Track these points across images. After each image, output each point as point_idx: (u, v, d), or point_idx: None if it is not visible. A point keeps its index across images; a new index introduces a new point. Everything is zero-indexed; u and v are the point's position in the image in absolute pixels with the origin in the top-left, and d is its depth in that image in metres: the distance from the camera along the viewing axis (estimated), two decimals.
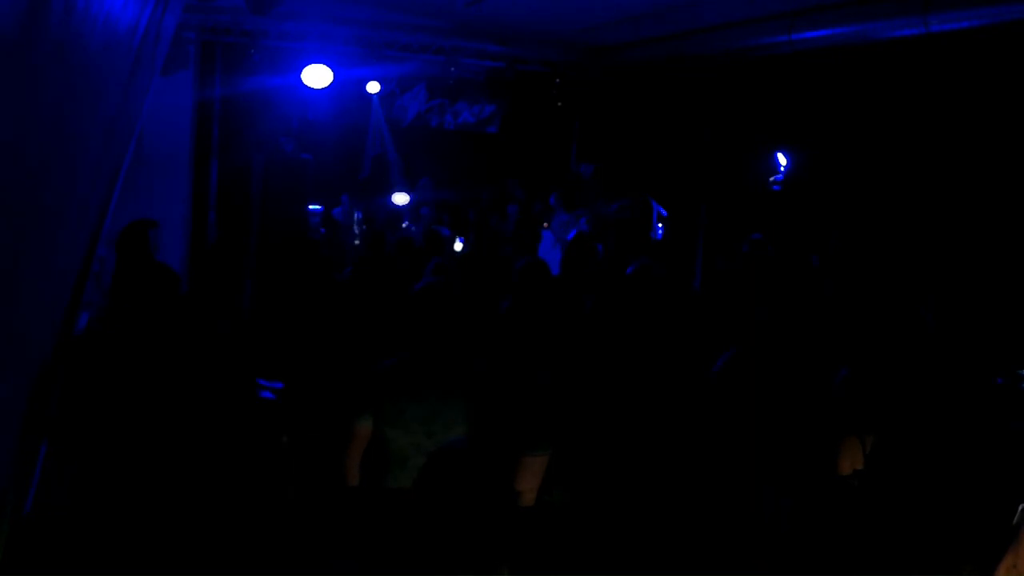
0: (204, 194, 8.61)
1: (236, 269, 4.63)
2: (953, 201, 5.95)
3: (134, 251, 4.37)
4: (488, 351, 3.63)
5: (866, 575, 2.87)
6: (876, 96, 6.53)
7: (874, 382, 3.14)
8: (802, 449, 3.10)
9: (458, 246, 8.66)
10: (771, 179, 7.87)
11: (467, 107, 10.70)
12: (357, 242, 9.08)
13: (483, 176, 10.54)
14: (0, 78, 1.26)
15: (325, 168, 9.59)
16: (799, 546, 3.05)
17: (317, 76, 8.43)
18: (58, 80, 1.72)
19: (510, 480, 2.73)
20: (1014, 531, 2.37)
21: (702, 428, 3.17)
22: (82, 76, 2.01)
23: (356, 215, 9.33)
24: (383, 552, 2.63)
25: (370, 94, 10.25)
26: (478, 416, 3.04)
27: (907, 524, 2.81)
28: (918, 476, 2.88)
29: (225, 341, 3.78)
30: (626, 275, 4.22)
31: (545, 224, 9.04)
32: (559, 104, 9.80)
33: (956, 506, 2.77)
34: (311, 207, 9.44)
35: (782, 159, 7.87)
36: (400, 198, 9.81)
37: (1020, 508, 2.38)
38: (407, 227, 9.29)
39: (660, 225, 8.96)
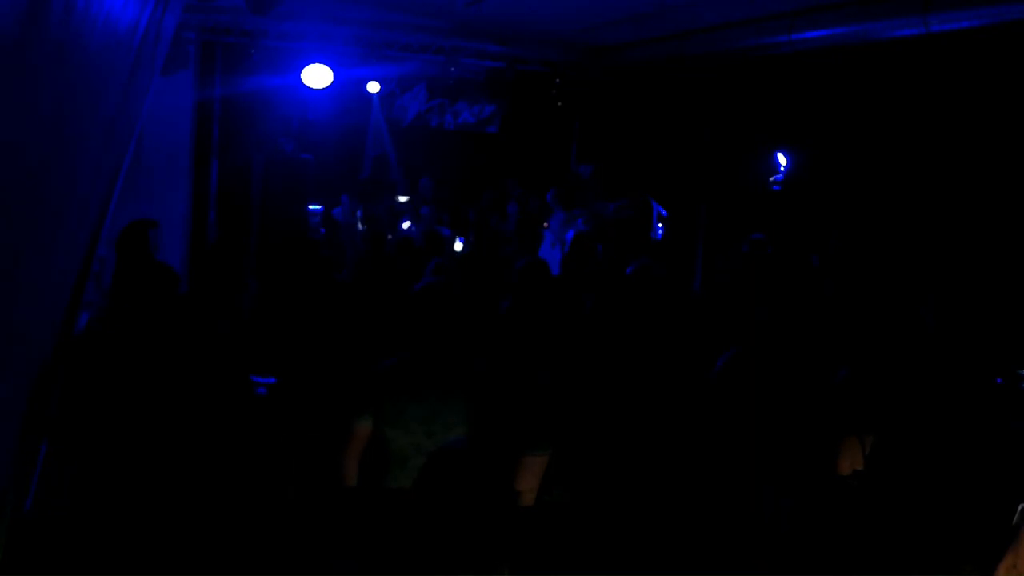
0: (204, 194, 8.60)
1: (236, 269, 4.62)
2: (953, 201, 5.95)
3: (134, 251, 4.37)
4: (488, 351, 3.63)
5: (866, 575, 2.87)
6: (876, 96, 6.53)
7: (874, 382, 3.14)
8: (802, 449, 3.10)
9: (458, 246, 8.66)
10: (771, 179, 7.86)
11: (467, 107, 10.70)
12: (359, 239, 9.08)
13: (483, 176, 10.53)
14: (0, 78, 1.26)
15: (325, 168, 9.58)
16: (799, 546, 3.05)
17: (317, 76, 8.43)
18: (58, 80, 1.72)
19: (510, 480, 2.74)
20: (1014, 531, 2.37)
21: (702, 428, 3.17)
22: (82, 76, 2.01)
23: (358, 214, 9.33)
24: (383, 552, 2.63)
25: (370, 94, 10.25)
26: (478, 416, 3.04)
27: (907, 524, 2.82)
28: (918, 476, 2.88)
29: (225, 341, 3.78)
30: (626, 275, 4.22)
31: (545, 224, 9.04)
32: (559, 104, 9.80)
33: (956, 506, 2.77)
34: (311, 207, 9.43)
35: (782, 159, 7.87)
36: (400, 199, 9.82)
37: (1020, 508, 2.38)
38: (407, 227, 9.29)
39: (660, 225, 8.95)
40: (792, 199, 7.62)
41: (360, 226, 9.00)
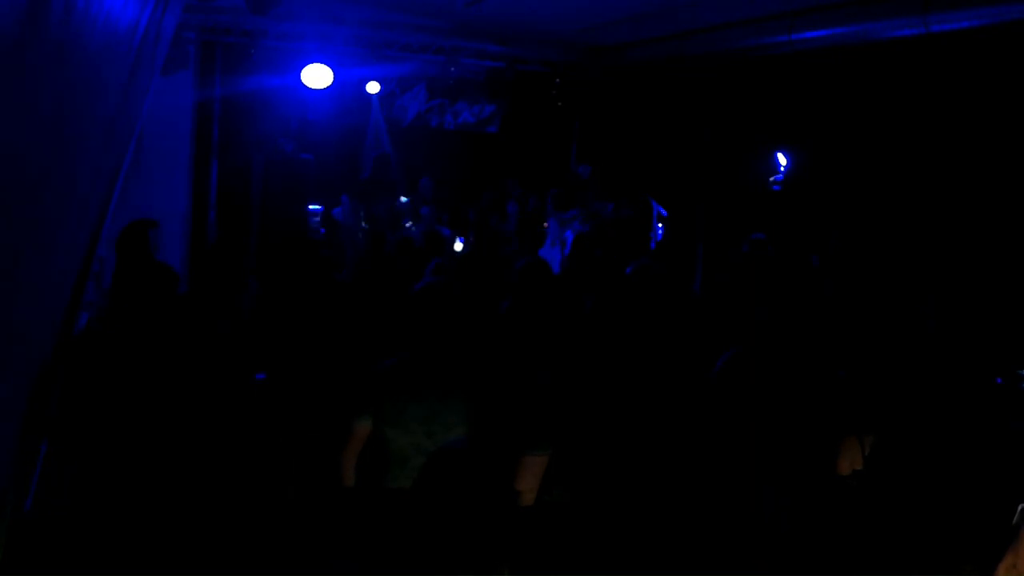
0: (204, 194, 8.61)
1: (236, 269, 4.62)
2: (953, 201, 5.95)
3: (134, 251, 4.37)
4: (488, 351, 3.63)
5: (866, 575, 2.87)
6: (876, 96, 6.53)
7: (874, 382, 3.14)
8: (802, 449, 3.10)
9: (458, 246, 8.66)
10: (771, 179, 7.86)
11: (467, 107, 10.70)
12: (360, 239, 9.07)
13: (483, 176, 10.53)
14: (0, 78, 1.26)
15: (325, 168, 9.58)
16: (799, 546, 3.05)
17: (317, 76, 8.43)
18: (58, 80, 1.72)
19: (510, 480, 2.74)
20: (1014, 531, 2.37)
21: (702, 428, 3.17)
22: (82, 76, 2.01)
23: (361, 214, 9.32)
24: (383, 552, 2.63)
25: (370, 94, 10.25)
26: (478, 416, 3.04)
27: (907, 524, 2.81)
28: (918, 476, 2.88)
29: (225, 341, 3.78)
30: (626, 275, 4.22)
31: (545, 224, 9.04)
32: (559, 104, 9.80)
33: (956, 506, 2.77)
34: (311, 207, 9.43)
35: (782, 159, 7.87)
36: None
37: (1020, 508, 2.38)
38: (408, 227, 9.28)
39: (660, 225, 8.95)
40: (792, 199, 7.62)
41: (364, 225, 9.01)
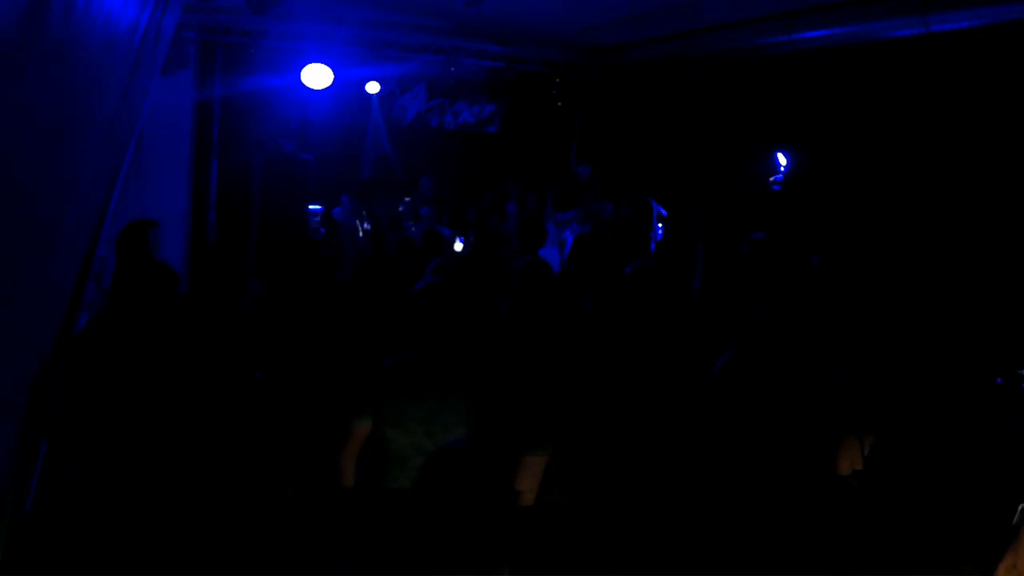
0: (204, 194, 8.61)
1: (236, 269, 4.63)
2: (953, 201, 5.95)
3: (134, 251, 4.37)
4: (488, 351, 3.63)
5: (866, 575, 2.86)
6: (876, 96, 6.53)
7: (874, 382, 3.14)
8: (802, 449, 3.10)
9: (458, 246, 8.65)
10: (771, 179, 7.86)
11: (467, 107, 10.70)
12: (360, 239, 9.07)
13: (483, 176, 10.53)
14: (0, 78, 1.25)
15: (325, 168, 9.58)
16: (799, 546, 3.05)
17: (317, 76, 8.43)
18: (58, 80, 1.72)
19: (510, 480, 2.74)
20: (1014, 531, 2.37)
21: (702, 428, 3.17)
22: (82, 76, 2.01)
23: (364, 215, 9.32)
24: (383, 552, 2.63)
25: (370, 94, 10.24)
26: (478, 416, 3.04)
27: (907, 524, 2.81)
28: (918, 476, 2.88)
29: (225, 341, 3.79)
30: (626, 275, 4.22)
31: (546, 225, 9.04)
32: (559, 104, 9.80)
33: (956, 506, 2.77)
34: (311, 207, 9.43)
35: (782, 159, 7.87)
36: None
37: (1020, 508, 2.38)
38: (407, 227, 9.28)
39: (660, 225, 8.95)
40: (792, 199, 7.62)
41: (366, 226, 9.01)
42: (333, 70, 8.46)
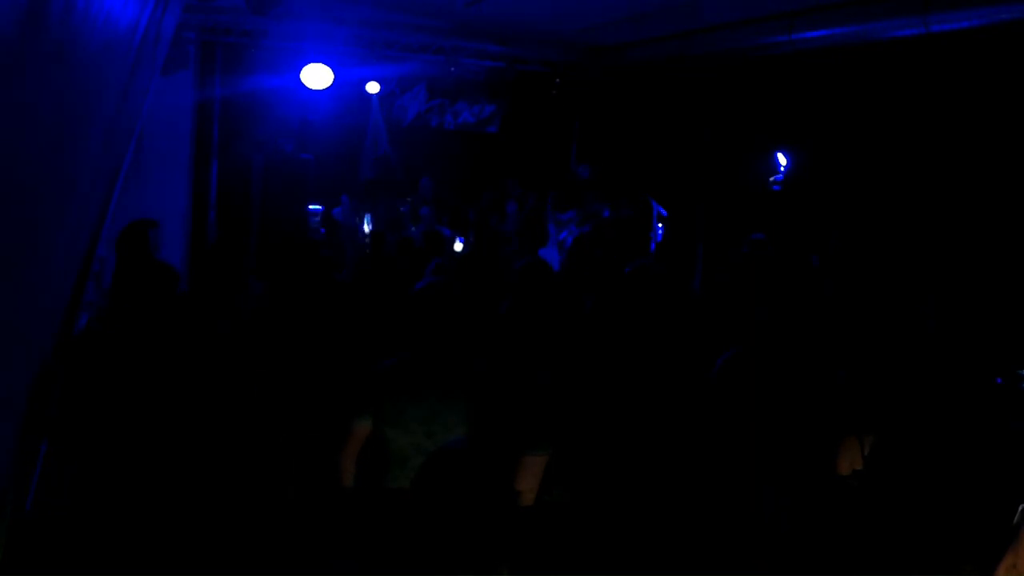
0: (204, 194, 8.61)
1: (236, 269, 4.63)
2: (953, 201, 5.95)
3: (134, 251, 4.37)
4: (488, 351, 3.63)
5: (866, 575, 2.86)
6: (876, 96, 6.53)
7: (874, 382, 3.14)
8: (802, 449, 3.10)
9: (458, 246, 8.66)
10: (771, 179, 7.86)
11: (467, 107, 10.70)
12: (361, 239, 9.07)
13: (483, 176, 10.53)
14: (0, 78, 1.25)
15: (325, 168, 9.59)
16: (799, 546, 3.05)
17: (317, 76, 8.43)
18: (58, 80, 1.72)
19: (510, 480, 2.74)
20: (1014, 531, 2.37)
21: (702, 428, 3.17)
22: (82, 76, 2.01)
23: (366, 216, 9.32)
24: (383, 552, 2.63)
25: (370, 94, 10.25)
26: (478, 416, 3.04)
27: (907, 524, 2.81)
28: (917, 476, 2.88)
29: (225, 341, 3.79)
30: (626, 275, 4.21)
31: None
32: (559, 104, 9.80)
33: (956, 506, 2.77)
34: (311, 207, 9.43)
35: (782, 159, 7.87)
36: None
37: (1020, 508, 2.38)
38: (407, 227, 9.29)
39: (660, 225, 8.95)
40: (792, 199, 7.62)
41: (369, 226, 9.01)
42: (333, 70, 8.46)
